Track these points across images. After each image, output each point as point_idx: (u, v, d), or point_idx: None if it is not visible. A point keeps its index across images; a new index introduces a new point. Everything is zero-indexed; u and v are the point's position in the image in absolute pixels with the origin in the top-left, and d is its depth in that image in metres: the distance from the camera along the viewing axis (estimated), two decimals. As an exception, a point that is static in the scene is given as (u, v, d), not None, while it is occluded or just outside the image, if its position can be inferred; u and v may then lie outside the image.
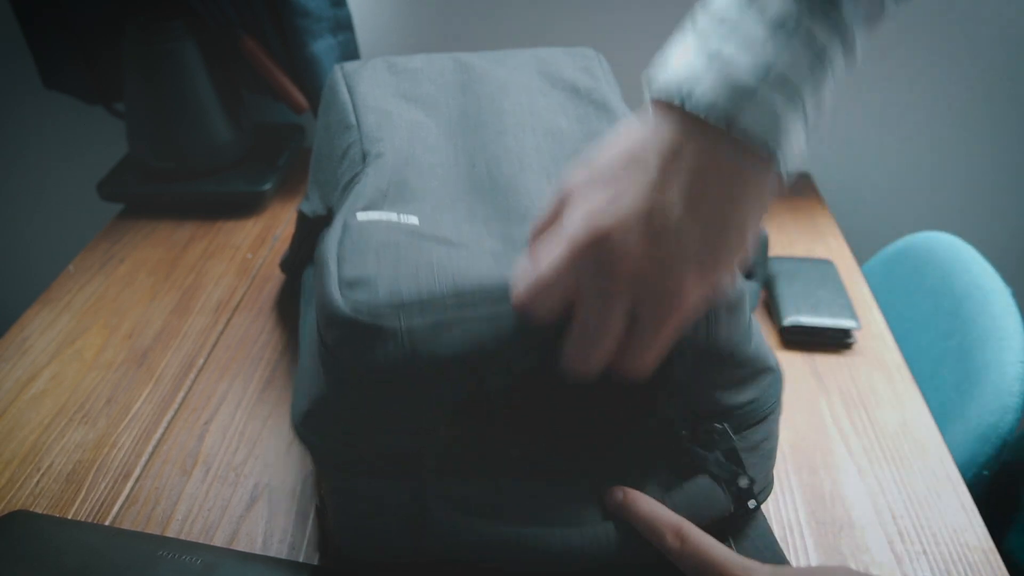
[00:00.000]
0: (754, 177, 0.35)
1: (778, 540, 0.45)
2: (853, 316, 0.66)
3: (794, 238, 0.81)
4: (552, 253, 0.37)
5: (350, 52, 0.85)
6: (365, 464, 0.40)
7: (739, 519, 0.43)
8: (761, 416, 0.42)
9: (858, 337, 0.67)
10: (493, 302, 0.38)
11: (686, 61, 0.35)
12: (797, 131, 0.35)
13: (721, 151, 0.34)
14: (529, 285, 0.37)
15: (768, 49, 0.34)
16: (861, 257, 0.85)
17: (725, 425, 0.40)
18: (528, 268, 0.38)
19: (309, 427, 0.41)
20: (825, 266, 0.74)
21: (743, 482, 0.41)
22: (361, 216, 0.46)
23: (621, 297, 0.35)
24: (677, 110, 0.35)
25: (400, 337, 0.38)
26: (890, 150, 0.97)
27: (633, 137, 0.37)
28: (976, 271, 0.74)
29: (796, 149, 0.35)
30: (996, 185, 0.98)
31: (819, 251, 0.79)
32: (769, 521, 0.47)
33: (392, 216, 0.47)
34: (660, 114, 0.36)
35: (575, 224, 0.36)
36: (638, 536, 0.39)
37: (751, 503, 0.42)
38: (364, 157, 0.53)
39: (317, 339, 0.41)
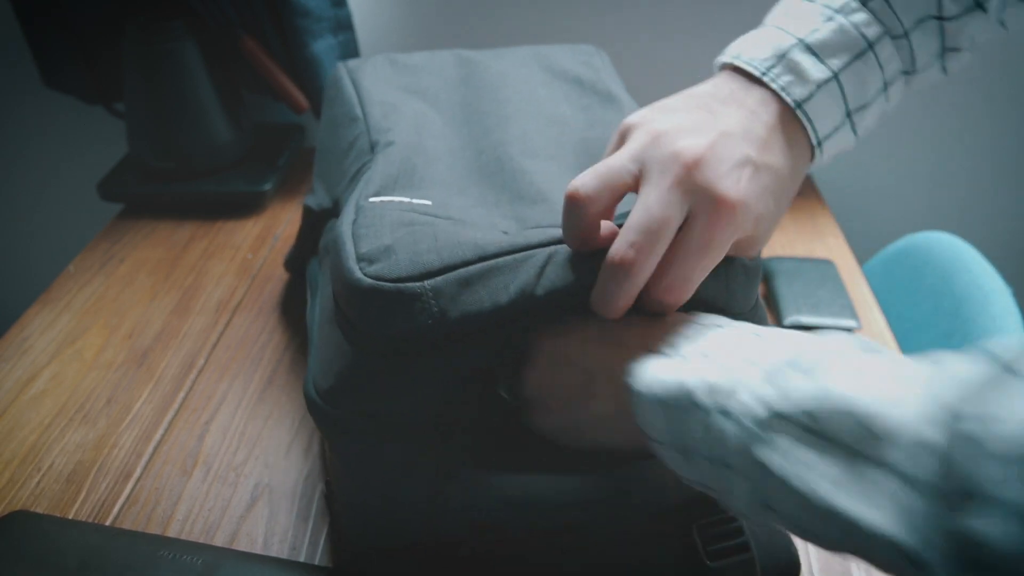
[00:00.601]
0: (800, 149, 0.40)
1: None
2: (853, 316, 0.66)
3: (794, 238, 0.81)
4: (621, 151, 0.38)
5: (350, 52, 0.85)
6: (391, 433, 0.40)
7: None
8: None
9: (858, 337, 0.67)
10: (517, 260, 0.38)
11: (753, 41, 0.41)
12: (831, 113, 0.39)
13: (781, 114, 0.39)
14: (591, 171, 0.37)
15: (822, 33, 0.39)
16: (861, 257, 0.85)
17: None
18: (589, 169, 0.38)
19: (332, 402, 0.40)
20: (825, 266, 0.74)
21: None
22: (373, 199, 0.46)
23: (686, 193, 0.35)
24: (738, 70, 0.41)
25: (426, 300, 0.37)
26: (890, 150, 0.97)
27: (702, 88, 0.41)
28: (976, 271, 0.74)
29: (828, 126, 0.40)
30: (996, 185, 0.98)
31: (819, 251, 0.79)
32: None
33: (404, 199, 0.47)
34: (723, 74, 0.42)
35: (653, 124, 0.38)
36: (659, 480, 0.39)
37: None
38: (372, 147, 0.53)
39: (338, 317, 0.41)
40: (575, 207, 0.37)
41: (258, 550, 0.48)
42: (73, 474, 0.54)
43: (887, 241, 0.90)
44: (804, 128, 0.39)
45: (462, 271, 0.38)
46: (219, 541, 0.49)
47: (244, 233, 0.81)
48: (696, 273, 0.36)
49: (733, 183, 0.35)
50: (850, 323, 0.65)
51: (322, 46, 0.81)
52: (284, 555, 0.48)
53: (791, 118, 0.39)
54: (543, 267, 0.38)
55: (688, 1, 0.86)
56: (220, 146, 0.85)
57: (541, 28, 0.90)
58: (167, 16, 0.80)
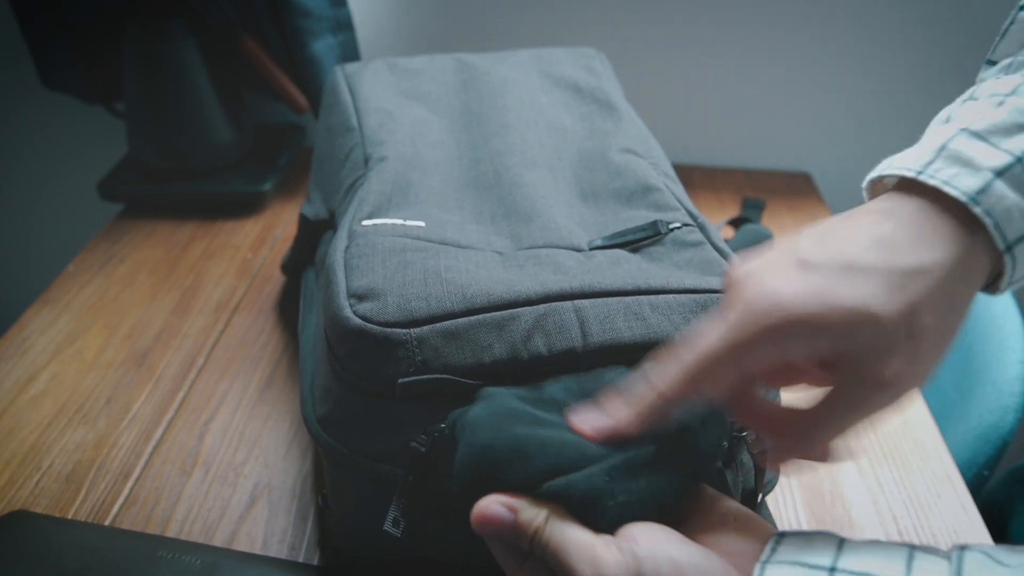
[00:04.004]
0: (971, 254, 0.29)
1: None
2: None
3: (794, 238, 0.81)
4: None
5: (350, 52, 0.85)
6: (382, 463, 0.40)
7: None
8: None
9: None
10: (504, 319, 0.38)
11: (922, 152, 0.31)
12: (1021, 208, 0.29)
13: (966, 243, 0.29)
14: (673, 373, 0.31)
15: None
16: (861, 257, 0.85)
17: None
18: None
19: (327, 430, 0.41)
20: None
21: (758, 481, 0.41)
22: (367, 223, 0.46)
23: (734, 314, 0.30)
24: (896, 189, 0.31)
25: (410, 348, 0.37)
26: (890, 150, 0.97)
27: (854, 222, 0.31)
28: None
29: (1021, 226, 0.29)
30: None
31: (819, 251, 0.79)
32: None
33: (397, 221, 0.47)
34: (894, 197, 0.31)
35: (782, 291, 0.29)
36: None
37: (758, 497, 0.42)
38: (366, 161, 0.53)
39: (326, 349, 0.41)
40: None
41: (257, 550, 0.48)
42: (72, 474, 0.54)
43: (887, 241, 0.90)
44: (980, 226, 0.29)
45: (448, 323, 0.38)
46: (218, 541, 0.49)
47: (244, 233, 0.81)
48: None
49: (779, 282, 0.29)
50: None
51: (322, 46, 0.81)
52: (283, 555, 0.48)
53: (960, 222, 0.29)
54: (530, 332, 0.38)
55: (687, 3, 0.86)
56: (220, 146, 0.85)
57: (541, 29, 0.90)
58: (167, 16, 0.80)
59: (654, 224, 0.46)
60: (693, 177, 0.92)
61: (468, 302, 0.38)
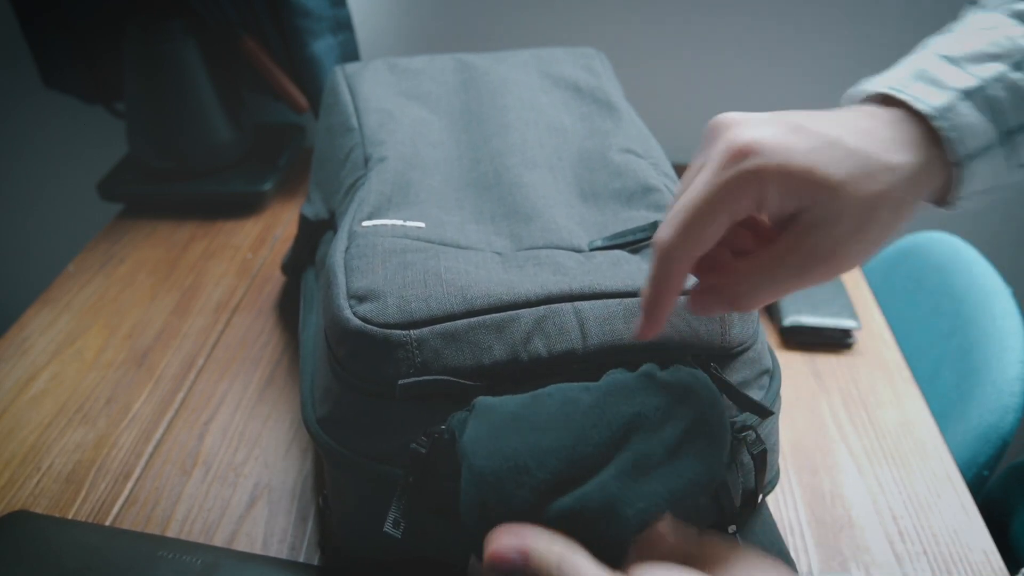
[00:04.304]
0: (931, 163, 0.33)
1: (778, 540, 0.45)
2: (853, 316, 0.66)
3: (794, 238, 0.81)
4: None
5: (350, 52, 0.85)
6: (382, 464, 0.40)
7: (745, 513, 0.43)
8: (770, 409, 0.42)
9: (858, 337, 0.67)
10: (504, 320, 0.38)
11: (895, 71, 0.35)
12: (994, 157, 0.33)
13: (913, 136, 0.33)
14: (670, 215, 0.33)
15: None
16: (861, 257, 0.85)
17: (757, 431, 0.39)
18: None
19: (327, 431, 0.41)
20: (825, 266, 0.74)
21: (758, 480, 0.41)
22: (367, 223, 0.46)
23: (730, 173, 0.31)
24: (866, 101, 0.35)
25: (410, 350, 0.37)
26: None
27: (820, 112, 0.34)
28: (976, 271, 0.74)
29: (984, 172, 0.33)
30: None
31: (819, 251, 0.79)
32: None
33: (398, 222, 0.47)
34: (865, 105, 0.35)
35: (720, 118, 0.34)
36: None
37: (758, 497, 0.42)
38: (366, 161, 0.53)
39: (326, 350, 0.41)
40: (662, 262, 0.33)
41: (257, 550, 0.48)
42: (73, 474, 0.54)
43: (887, 241, 0.90)
44: (941, 141, 0.32)
45: (448, 325, 0.38)
46: (218, 541, 0.49)
47: (244, 233, 0.81)
48: (757, 274, 0.33)
49: (769, 133, 0.31)
50: (850, 323, 0.65)
51: (322, 46, 0.81)
52: (283, 555, 0.48)
53: (925, 133, 0.33)
54: (530, 334, 0.38)
55: (688, 3, 0.86)
56: (220, 146, 0.85)
57: (541, 29, 0.90)
58: (167, 16, 0.80)
59: (654, 225, 0.46)
60: (693, 177, 0.92)
61: (468, 303, 0.38)
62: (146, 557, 0.45)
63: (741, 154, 0.31)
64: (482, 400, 0.36)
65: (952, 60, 0.34)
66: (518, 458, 0.32)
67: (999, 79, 0.33)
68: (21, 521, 0.48)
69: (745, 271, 0.33)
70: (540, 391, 0.36)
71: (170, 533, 0.50)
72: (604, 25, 0.89)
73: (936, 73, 0.34)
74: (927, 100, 0.33)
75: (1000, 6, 0.36)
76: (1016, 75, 0.33)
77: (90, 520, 0.51)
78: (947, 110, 0.32)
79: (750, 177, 0.31)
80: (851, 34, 0.86)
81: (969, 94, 0.33)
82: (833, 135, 0.31)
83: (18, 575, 0.44)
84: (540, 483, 0.31)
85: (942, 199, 0.35)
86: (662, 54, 0.90)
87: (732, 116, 0.34)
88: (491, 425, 0.34)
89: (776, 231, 0.34)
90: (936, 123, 0.32)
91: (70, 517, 0.51)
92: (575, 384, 0.36)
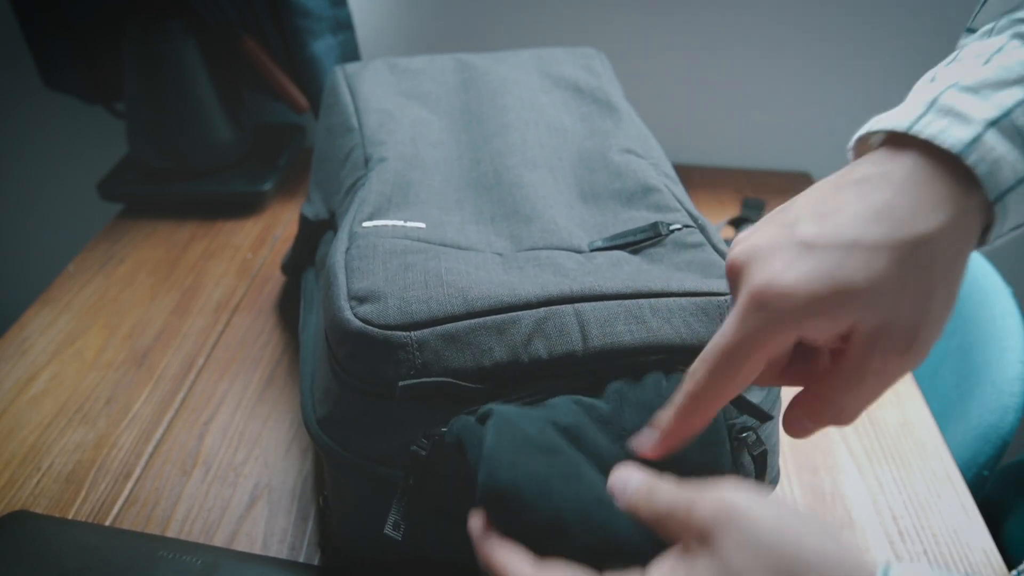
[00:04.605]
0: (965, 209, 0.29)
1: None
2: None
3: (794, 238, 0.81)
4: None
5: (350, 52, 0.85)
6: (382, 465, 0.40)
7: None
8: (769, 414, 0.42)
9: (858, 337, 0.67)
10: (505, 322, 0.38)
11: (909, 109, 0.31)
12: (1011, 160, 0.29)
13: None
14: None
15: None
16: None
17: (757, 432, 0.39)
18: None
19: (327, 431, 0.41)
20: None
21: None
22: (367, 224, 0.46)
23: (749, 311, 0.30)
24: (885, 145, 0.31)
25: (411, 351, 0.37)
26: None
27: (828, 179, 0.32)
28: (976, 271, 0.74)
29: (1009, 176, 0.29)
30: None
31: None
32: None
33: (398, 222, 0.47)
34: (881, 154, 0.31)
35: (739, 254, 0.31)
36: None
37: None
38: (367, 161, 0.53)
39: (327, 351, 0.41)
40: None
41: (257, 550, 0.48)
42: (73, 474, 0.54)
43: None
44: (972, 179, 0.29)
45: (449, 327, 0.38)
46: (218, 541, 0.49)
47: (244, 233, 0.81)
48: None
49: (781, 267, 0.29)
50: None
51: (322, 46, 0.81)
52: (283, 555, 0.48)
53: (954, 177, 0.29)
54: (530, 336, 0.38)
55: (688, 3, 0.86)
56: (220, 146, 0.85)
57: (541, 29, 0.90)
58: (167, 16, 0.80)
59: (654, 225, 0.46)
60: (693, 177, 0.92)
61: (469, 305, 0.38)
62: (146, 557, 0.45)
63: (762, 302, 0.29)
64: (498, 409, 0.35)
65: (969, 89, 0.30)
66: (556, 510, 0.32)
67: (1021, 105, 0.30)
68: (21, 521, 0.48)
69: (831, 393, 0.31)
70: (547, 402, 0.36)
71: (170, 533, 0.50)
72: (604, 25, 0.89)
73: (955, 104, 0.30)
74: (952, 136, 0.29)
75: (1004, 30, 0.33)
76: None
77: (90, 520, 0.51)
78: (976, 144, 0.29)
79: (775, 324, 0.29)
80: (852, 34, 0.86)
81: (994, 124, 0.29)
82: (850, 235, 0.29)
83: (18, 575, 0.44)
84: (578, 545, 0.32)
85: (980, 241, 0.32)
86: (662, 54, 0.90)
87: (744, 252, 0.31)
88: (512, 439, 0.34)
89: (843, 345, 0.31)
90: (968, 160, 0.28)
91: (70, 517, 0.51)
92: (584, 400, 0.36)
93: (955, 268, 0.29)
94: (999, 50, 0.32)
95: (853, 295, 0.28)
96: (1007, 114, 0.29)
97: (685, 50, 0.89)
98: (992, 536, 0.50)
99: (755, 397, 0.42)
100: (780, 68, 0.89)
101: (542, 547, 0.32)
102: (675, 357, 0.38)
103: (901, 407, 0.60)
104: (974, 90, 0.30)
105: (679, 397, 0.32)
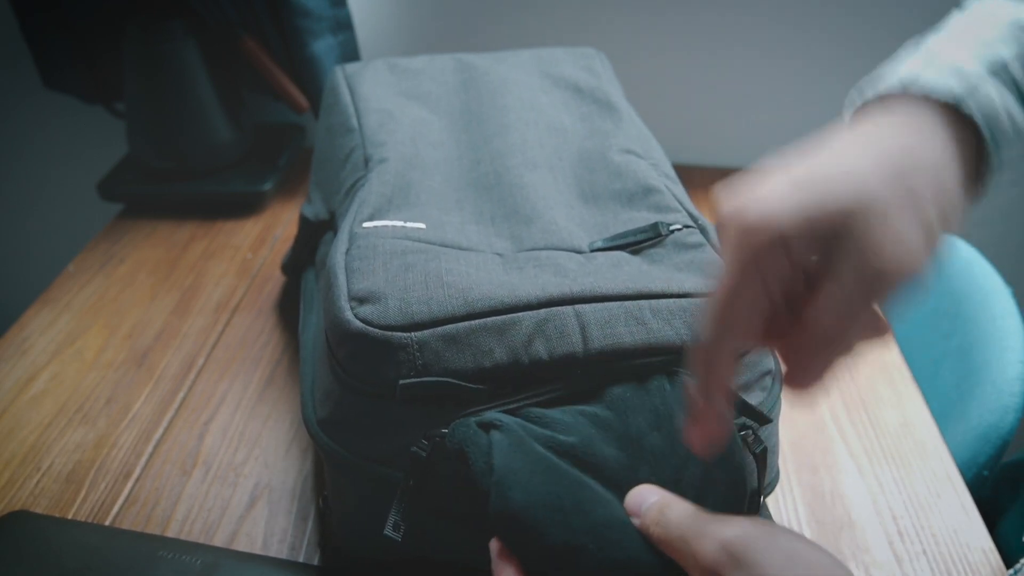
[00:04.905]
0: (963, 166, 0.30)
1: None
2: (853, 316, 0.66)
3: (794, 238, 0.81)
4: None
5: (350, 52, 0.85)
6: (382, 466, 0.40)
7: (745, 513, 0.43)
8: (768, 417, 0.42)
9: (858, 337, 0.67)
10: (505, 323, 0.38)
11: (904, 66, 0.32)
12: (1004, 103, 0.30)
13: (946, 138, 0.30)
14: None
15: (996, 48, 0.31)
16: (861, 257, 0.85)
17: (757, 432, 0.40)
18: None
19: (328, 432, 0.41)
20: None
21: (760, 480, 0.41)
22: (367, 225, 0.46)
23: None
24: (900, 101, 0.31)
25: (411, 352, 0.37)
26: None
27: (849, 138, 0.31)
28: (976, 271, 0.74)
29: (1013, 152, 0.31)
30: (996, 185, 0.98)
31: (819, 251, 0.79)
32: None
33: (398, 223, 0.47)
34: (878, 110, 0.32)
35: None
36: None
37: (760, 497, 0.42)
38: (367, 162, 0.53)
39: (327, 351, 0.41)
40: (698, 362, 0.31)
41: (257, 550, 0.48)
42: (73, 474, 0.54)
43: (887, 241, 0.90)
44: (972, 127, 0.30)
45: (449, 327, 0.38)
46: (218, 541, 0.49)
47: (244, 233, 0.81)
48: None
49: (775, 196, 0.29)
50: (850, 323, 0.65)
51: (322, 46, 0.81)
52: (283, 555, 0.48)
53: (949, 122, 0.30)
54: (531, 337, 0.38)
55: (688, 3, 0.86)
56: (220, 146, 0.85)
57: (541, 29, 0.90)
58: (167, 16, 0.80)
59: (655, 226, 0.46)
60: (693, 177, 0.92)
61: (469, 306, 0.38)
62: (146, 557, 0.45)
63: (746, 226, 0.29)
64: (505, 421, 0.35)
65: (963, 45, 0.31)
66: (573, 538, 0.32)
67: (1019, 57, 0.31)
68: (21, 521, 0.48)
69: (815, 316, 0.30)
70: (551, 418, 0.36)
71: (170, 533, 0.50)
72: (604, 25, 0.89)
73: (948, 58, 0.31)
74: (948, 86, 0.30)
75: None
76: None
77: (90, 520, 0.51)
78: (971, 93, 0.30)
79: (760, 234, 0.29)
80: (852, 34, 0.86)
81: (990, 74, 0.30)
82: (839, 164, 0.29)
83: (18, 575, 0.44)
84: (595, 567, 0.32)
85: (974, 189, 0.32)
86: (662, 54, 0.90)
87: (735, 205, 0.31)
88: (525, 460, 0.34)
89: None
90: (963, 109, 0.29)
91: (70, 517, 0.51)
92: (588, 409, 0.36)
93: (951, 197, 0.29)
94: (993, 12, 0.33)
95: (838, 205, 0.28)
96: (1005, 65, 0.30)
97: (685, 50, 0.89)
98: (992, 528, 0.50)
99: (756, 396, 0.42)
100: (780, 68, 0.89)
101: (558, 569, 0.32)
102: (676, 358, 0.38)
103: (901, 407, 0.60)
104: (967, 45, 0.31)
105: (695, 354, 0.31)
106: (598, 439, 0.35)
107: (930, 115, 0.30)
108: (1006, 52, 0.31)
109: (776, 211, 0.29)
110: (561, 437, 0.35)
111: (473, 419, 0.36)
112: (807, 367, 0.31)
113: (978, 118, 0.29)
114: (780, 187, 0.29)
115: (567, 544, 0.31)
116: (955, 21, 0.34)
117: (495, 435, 0.35)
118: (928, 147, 0.29)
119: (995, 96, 0.30)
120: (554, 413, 0.36)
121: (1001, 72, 0.30)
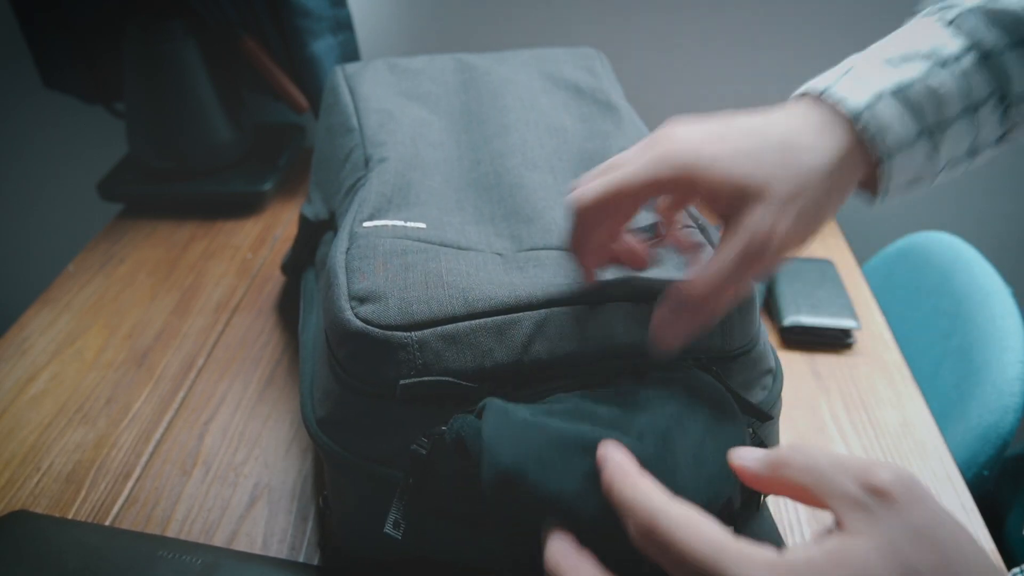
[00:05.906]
0: (855, 171, 0.36)
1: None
2: (853, 316, 0.66)
3: (794, 238, 0.81)
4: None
5: (350, 52, 0.85)
6: (382, 465, 0.40)
7: (745, 513, 0.43)
8: (768, 415, 0.42)
9: (858, 337, 0.67)
10: (506, 323, 0.38)
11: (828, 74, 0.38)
12: (915, 152, 0.36)
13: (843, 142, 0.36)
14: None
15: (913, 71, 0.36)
16: (861, 257, 0.85)
17: (757, 429, 0.39)
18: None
19: (327, 432, 0.41)
20: (825, 266, 0.74)
21: None
22: (367, 224, 0.46)
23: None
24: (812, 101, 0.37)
25: (411, 351, 0.37)
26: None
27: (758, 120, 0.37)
28: (976, 271, 0.74)
29: (906, 166, 0.36)
30: (996, 185, 0.98)
31: (819, 251, 0.79)
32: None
33: (398, 223, 0.47)
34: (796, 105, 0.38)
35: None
36: None
37: (760, 497, 0.42)
38: (367, 162, 0.53)
39: (327, 351, 0.41)
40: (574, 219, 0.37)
41: (257, 550, 0.48)
42: (72, 474, 0.54)
43: (887, 241, 0.90)
44: (861, 136, 0.36)
45: (449, 327, 0.38)
46: (218, 541, 0.49)
47: (244, 233, 0.81)
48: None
49: (706, 139, 0.35)
50: (850, 323, 0.65)
51: (322, 46, 0.81)
52: (283, 555, 0.48)
53: (848, 130, 0.36)
54: (531, 337, 0.38)
55: (688, 3, 0.86)
56: (220, 146, 0.85)
57: (541, 29, 0.90)
58: (167, 16, 0.80)
59: (654, 226, 0.46)
60: (693, 177, 0.92)
61: (469, 306, 0.38)
62: (146, 557, 0.45)
63: (666, 138, 0.35)
64: (494, 402, 0.36)
65: (883, 60, 0.37)
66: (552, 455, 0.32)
67: (922, 79, 0.36)
68: (21, 521, 0.48)
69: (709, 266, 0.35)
70: (551, 403, 0.36)
71: (170, 533, 0.50)
72: (604, 25, 0.89)
73: (864, 73, 0.36)
74: (851, 99, 0.35)
75: (931, 15, 0.40)
76: (937, 77, 0.36)
77: (90, 520, 0.51)
78: (868, 109, 0.35)
79: (670, 158, 0.34)
80: (852, 34, 0.86)
81: (892, 93, 0.35)
82: (759, 151, 0.34)
83: (18, 575, 0.44)
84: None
85: (872, 190, 0.38)
86: (662, 54, 0.90)
87: (673, 128, 0.37)
88: (511, 424, 0.34)
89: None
90: (858, 125, 0.35)
91: (70, 517, 0.51)
92: (587, 397, 0.36)
93: (825, 200, 0.35)
94: (921, 30, 0.38)
95: (739, 188, 0.33)
96: (907, 85, 0.36)
97: (685, 50, 0.89)
98: (993, 534, 0.50)
99: (757, 395, 0.42)
100: (780, 68, 0.89)
101: (557, 523, 0.32)
102: (676, 359, 0.38)
103: (901, 407, 0.60)
104: (887, 61, 0.37)
105: (568, 201, 0.37)
106: (591, 402, 0.36)
107: (831, 117, 0.36)
108: (914, 74, 0.36)
109: (698, 165, 0.34)
110: (556, 406, 0.35)
111: (471, 413, 0.36)
112: (675, 328, 0.36)
113: (870, 129, 0.35)
114: (715, 145, 0.35)
115: (562, 491, 0.32)
116: (891, 37, 0.39)
117: (485, 414, 0.35)
118: (810, 135, 0.35)
119: (890, 112, 0.35)
120: (550, 399, 0.37)
121: (905, 90, 0.36)
